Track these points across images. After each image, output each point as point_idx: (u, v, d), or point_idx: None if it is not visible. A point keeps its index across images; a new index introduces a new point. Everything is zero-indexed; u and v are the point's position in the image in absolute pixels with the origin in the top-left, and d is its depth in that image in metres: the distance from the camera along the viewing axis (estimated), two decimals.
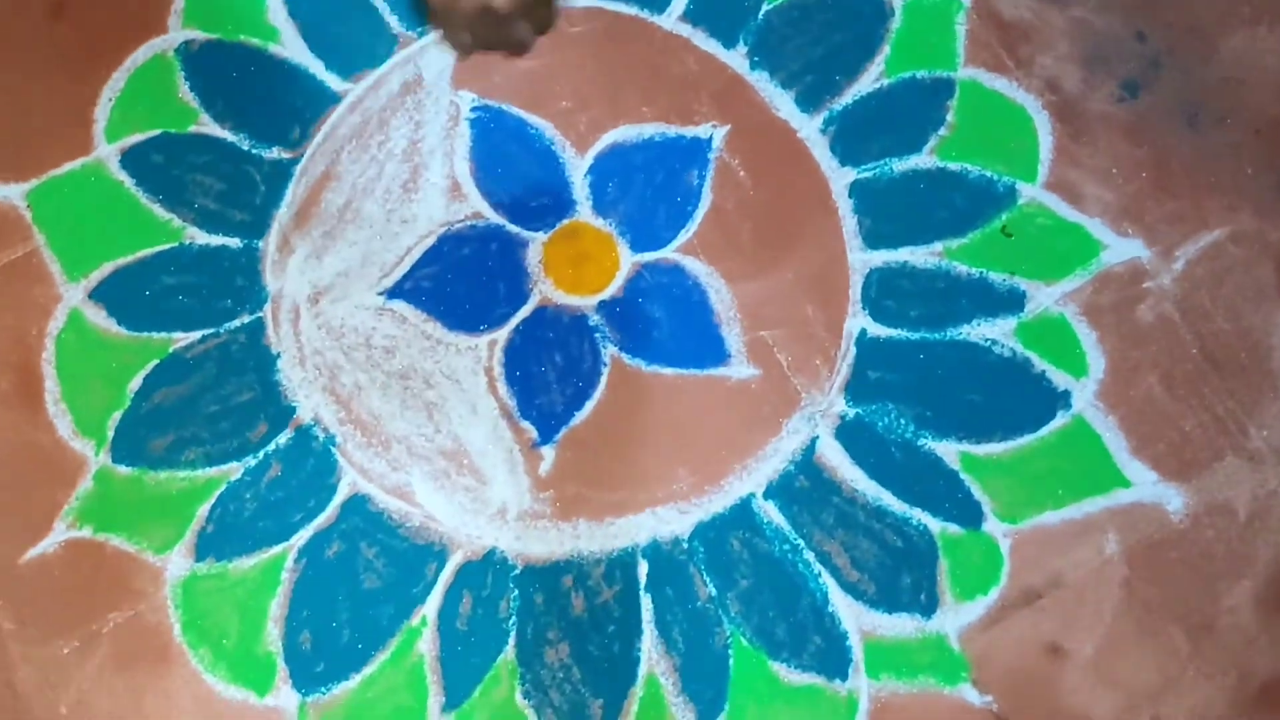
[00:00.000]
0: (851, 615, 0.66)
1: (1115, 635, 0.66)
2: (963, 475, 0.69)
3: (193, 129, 0.73)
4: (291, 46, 0.75)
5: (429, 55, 0.76)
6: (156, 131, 0.73)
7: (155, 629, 0.64)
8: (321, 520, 0.66)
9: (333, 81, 0.75)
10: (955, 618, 0.66)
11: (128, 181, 0.72)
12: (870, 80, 0.77)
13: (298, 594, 0.65)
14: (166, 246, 0.71)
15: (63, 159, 0.72)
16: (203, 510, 0.66)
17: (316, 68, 0.75)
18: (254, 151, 0.73)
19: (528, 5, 0.69)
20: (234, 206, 0.72)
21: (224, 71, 0.74)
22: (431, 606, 0.65)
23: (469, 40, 0.71)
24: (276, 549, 0.65)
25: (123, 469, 0.66)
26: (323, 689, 0.63)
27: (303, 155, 0.73)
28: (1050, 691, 0.65)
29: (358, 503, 0.67)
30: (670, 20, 0.77)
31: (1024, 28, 0.79)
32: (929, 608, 0.66)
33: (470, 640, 0.64)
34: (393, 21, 0.76)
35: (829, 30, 0.78)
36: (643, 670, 0.64)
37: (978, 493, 0.68)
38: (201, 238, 0.71)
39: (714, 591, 0.66)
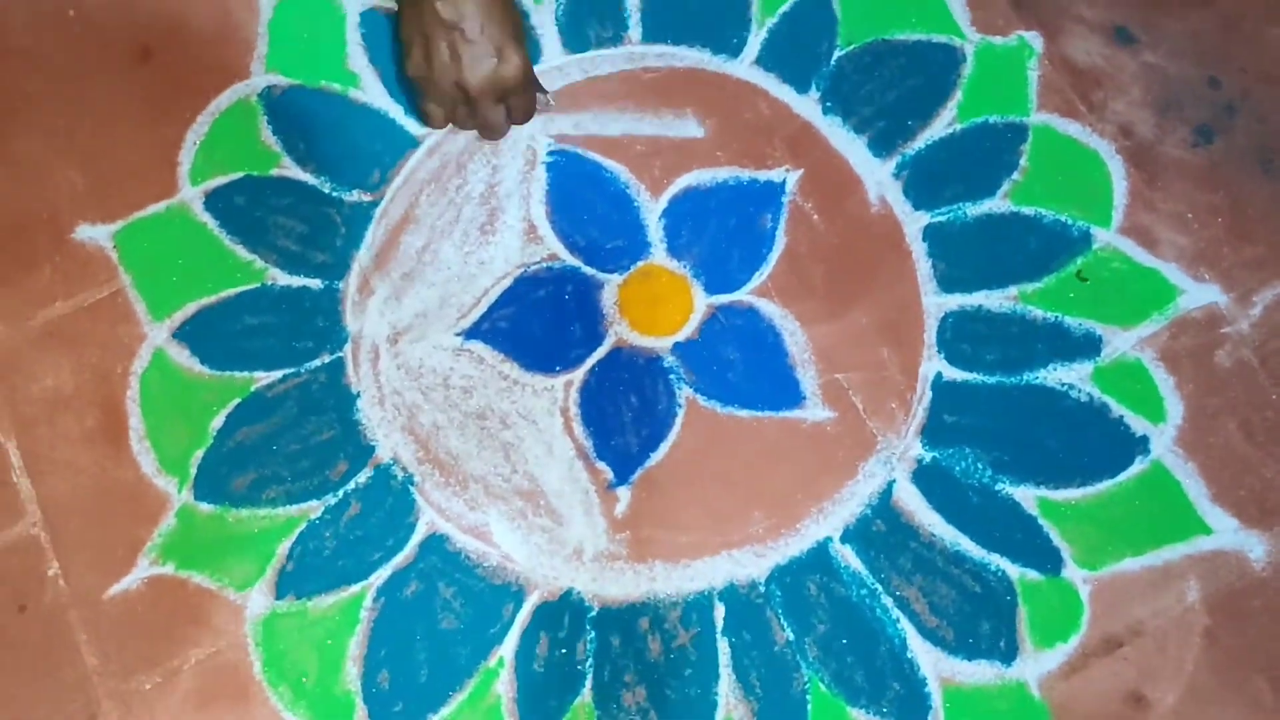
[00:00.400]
0: (930, 661, 0.65)
1: (1197, 685, 0.65)
2: (1041, 521, 0.68)
3: (275, 172, 0.75)
4: (371, 91, 0.77)
5: None
6: (239, 174, 0.74)
7: (235, 666, 0.64)
8: (400, 559, 0.66)
9: (411, 126, 0.76)
10: (1035, 665, 0.65)
11: (211, 223, 0.73)
12: (943, 125, 0.77)
13: (376, 633, 0.65)
14: (249, 287, 0.72)
15: (148, 201, 0.74)
16: (283, 548, 0.66)
17: (395, 112, 0.76)
18: (334, 194, 0.74)
19: (503, 89, 0.70)
20: (315, 248, 0.73)
21: (305, 116, 0.76)
22: (509, 647, 0.65)
23: (439, 113, 0.72)
24: (355, 588, 0.66)
25: (205, 506, 0.67)
26: None
27: (382, 198, 0.74)
28: None
29: (435, 542, 0.67)
30: (743, 67, 0.78)
31: (1096, 74, 0.79)
32: (1009, 655, 0.66)
33: (547, 682, 0.64)
34: None
35: (901, 76, 0.78)
36: (720, 715, 0.64)
37: (1056, 539, 0.68)
38: (283, 279, 0.72)
39: (791, 636, 0.66)
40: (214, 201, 0.73)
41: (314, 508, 0.67)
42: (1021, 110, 0.77)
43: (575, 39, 0.79)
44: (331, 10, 0.79)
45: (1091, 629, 0.66)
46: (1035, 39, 0.80)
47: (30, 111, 0.76)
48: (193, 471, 0.68)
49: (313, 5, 0.79)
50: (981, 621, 0.66)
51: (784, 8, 0.80)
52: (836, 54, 0.79)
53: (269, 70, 0.77)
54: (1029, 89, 0.78)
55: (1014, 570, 0.67)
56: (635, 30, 0.79)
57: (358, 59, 0.78)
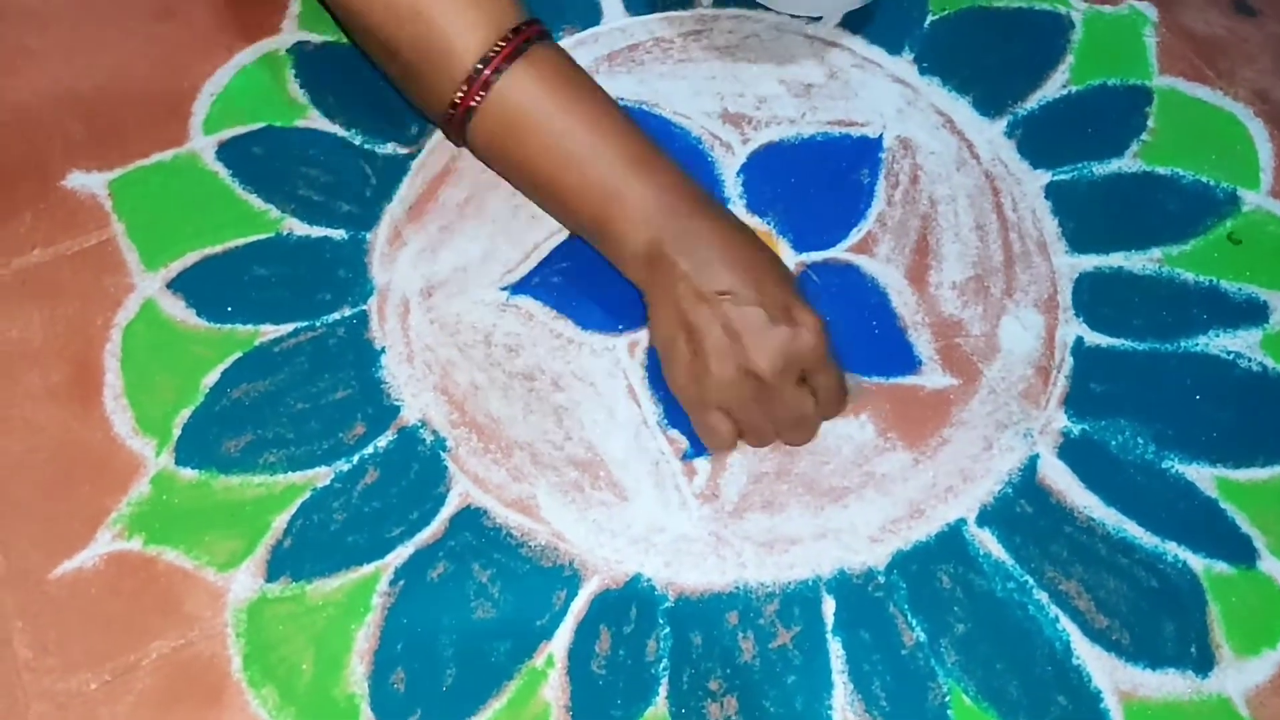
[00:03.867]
0: (1104, 670, 0.50)
1: None
2: (1223, 504, 0.55)
3: (300, 123, 0.66)
4: None
5: None
6: (260, 125, 0.65)
7: (208, 662, 0.50)
8: (426, 536, 0.53)
9: None
10: (1239, 676, 0.50)
11: (222, 172, 0.64)
12: (1056, 87, 0.68)
13: (391, 623, 0.51)
14: (261, 237, 0.61)
15: (153, 151, 0.64)
16: (280, 521, 0.53)
17: None
18: (366, 146, 0.65)
19: (803, 363, 0.52)
20: (340, 199, 0.63)
21: (339, 70, 0.68)
22: (560, 644, 0.50)
23: (726, 426, 0.54)
24: (368, 568, 0.52)
25: (187, 472, 0.54)
26: None
27: (420, 150, 0.65)
28: None
29: (471, 516, 0.54)
30: (827, 29, 0.70)
31: (1219, 42, 0.71)
32: (1203, 664, 0.51)
33: (610, 687, 0.49)
34: None
35: (1003, 40, 0.70)
36: None
37: (1245, 525, 0.54)
38: (301, 229, 0.62)
39: (923, 637, 0.51)
40: (227, 150, 0.64)
41: (322, 475, 0.54)
42: (1143, 74, 0.69)
43: (639, 3, 0.71)
44: None
45: None
46: (1148, 8, 0.72)
47: (33, 68, 0.68)
48: (176, 432, 0.55)
49: None
50: (1164, 622, 0.52)
51: None
52: (929, 18, 0.71)
53: (301, 29, 0.70)
54: (1148, 54, 0.70)
55: (1198, 561, 0.53)
56: None
57: None
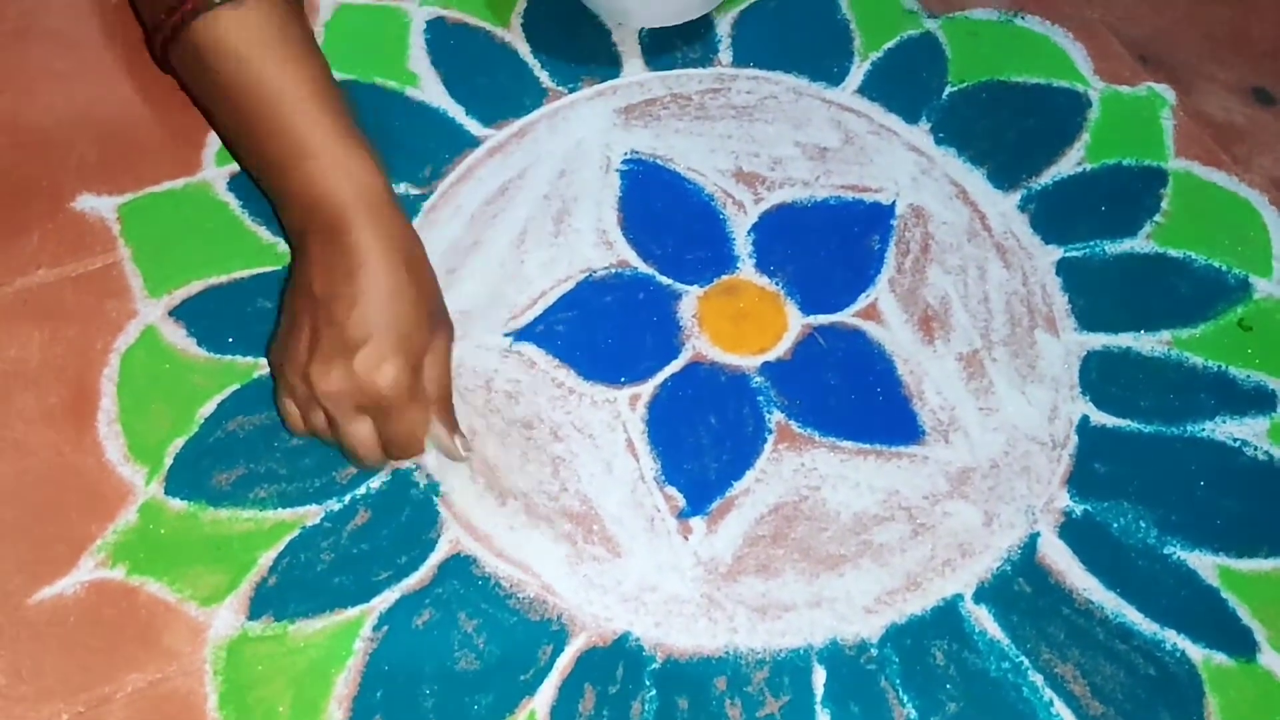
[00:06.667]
0: None
1: None
2: (1225, 594, 0.54)
3: None
4: (430, 92, 0.69)
5: (580, 110, 0.69)
6: None
7: (184, 699, 0.49)
8: (413, 582, 0.52)
9: (473, 126, 0.68)
10: None
11: (232, 203, 0.63)
12: (1071, 164, 0.68)
13: (372, 669, 0.50)
14: (267, 269, 0.61)
15: (164, 178, 0.64)
16: (266, 558, 0.52)
17: (456, 112, 0.68)
18: None
19: (364, 401, 0.51)
20: None
21: (355, 108, 0.67)
22: (543, 700, 0.49)
23: (294, 412, 0.53)
24: (352, 612, 0.51)
25: (176, 503, 0.54)
26: None
27: (432, 192, 0.65)
28: None
29: (460, 564, 0.53)
30: (845, 95, 0.70)
31: (1236, 130, 0.71)
32: None
33: None
34: (543, 76, 0.70)
35: (1021, 115, 0.70)
36: None
37: (1246, 616, 0.53)
38: None
39: (914, 714, 0.50)
40: (240, 182, 0.64)
41: (312, 513, 0.54)
42: (1158, 156, 0.69)
43: (660, 59, 0.71)
44: (395, 15, 0.72)
45: None
46: (1166, 91, 0.72)
47: (54, 90, 0.68)
48: (167, 461, 0.55)
49: (376, 10, 0.72)
50: (1161, 712, 0.51)
51: (889, 44, 0.73)
52: (948, 90, 0.71)
53: None
54: (1165, 136, 0.70)
55: (1196, 651, 0.52)
56: (726, 54, 0.72)
57: (419, 61, 0.70)
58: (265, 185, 0.56)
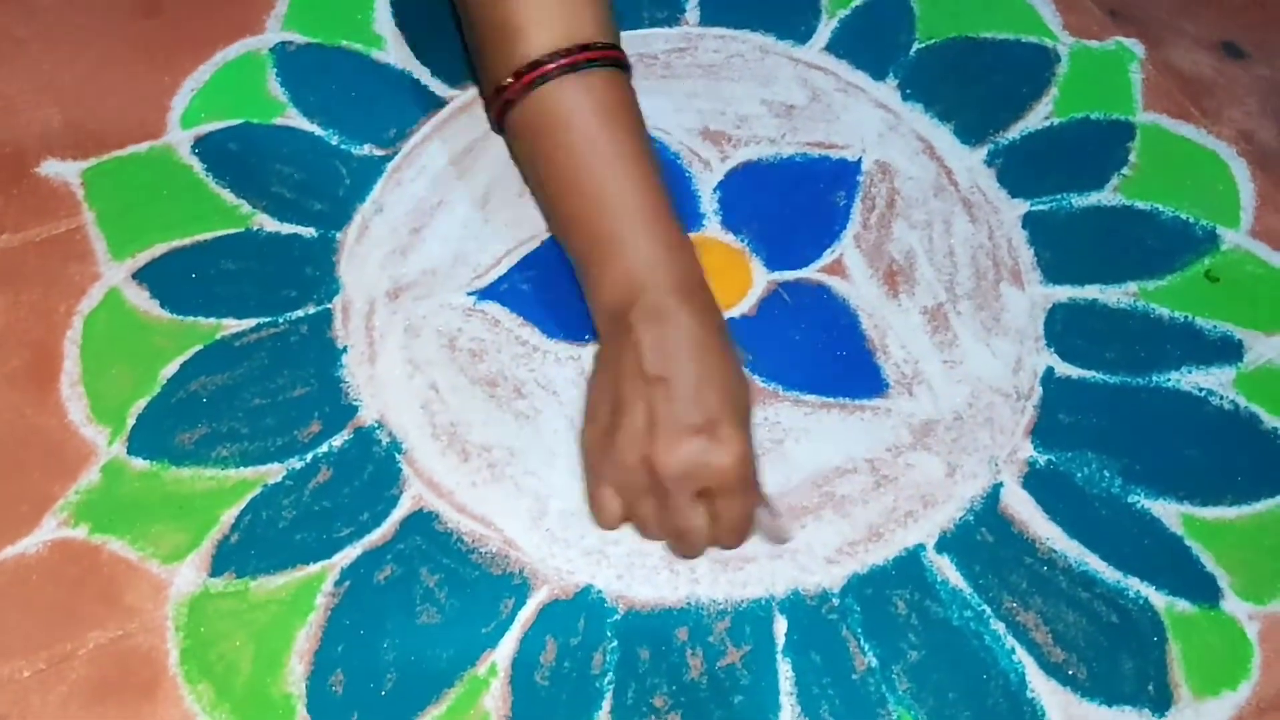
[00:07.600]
0: (1058, 704, 0.49)
1: None
2: (1189, 542, 0.54)
3: (277, 121, 0.65)
4: (396, 54, 0.69)
5: None
6: (237, 121, 0.65)
7: (146, 655, 0.49)
8: (375, 537, 0.52)
9: (437, 87, 0.67)
10: (1196, 717, 0.49)
11: (196, 166, 0.63)
12: (1039, 118, 0.68)
13: (334, 624, 0.50)
14: (230, 231, 0.61)
15: (129, 142, 0.64)
16: (228, 515, 0.52)
17: (422, 74, 0.68)
18: (342, 147, 0.64)
19: (708, 482, 0.49)
20: (312, 196, 0.62)
21: (319, 71, 0.67)
22: (504, 652, 0.50)
23: (614, 505, 0.51)
24: (314, 568, 0.51)
25: (138, 462, 0.53)
26: None
27: (396, 153, 0.64)
28: None
29: (422, 520, 0.53)
30: (812, 53, 0.70)
31: (1205, 83, 0.71)
32: (1161, 702, 0.50)
33: (552, 698, 0.48)
34: None
35: (988, 71, 0.70)
36: None
37: (1210, 563, 0.53)
38: (271, 225, 0.61)
39: (875, 663, 0.50)
40: (204, 145, 0.64)
41: (273, 471, 0.54)
42: (1126, 110, 0.69)
43: (625, 17, 0.71)
44: None
45: (1265, 676, 0.51)
46: (1135, 45, 0.72)
47: (16, 56, 0.68)
48: (130, 422, 0.55)
49: None
50: (1123, 659, 0.51)
51: (856, 2, 0.73)
52: (915, 46, 0.71)
53: (285, 29, 0.69)
54: (1133, 90, 0.70)
55: (1159, 598, 0.52)
56: (693, 13, 0.72)
57: (385, 24, 0.70)
58: (583, 256, 0.54)
